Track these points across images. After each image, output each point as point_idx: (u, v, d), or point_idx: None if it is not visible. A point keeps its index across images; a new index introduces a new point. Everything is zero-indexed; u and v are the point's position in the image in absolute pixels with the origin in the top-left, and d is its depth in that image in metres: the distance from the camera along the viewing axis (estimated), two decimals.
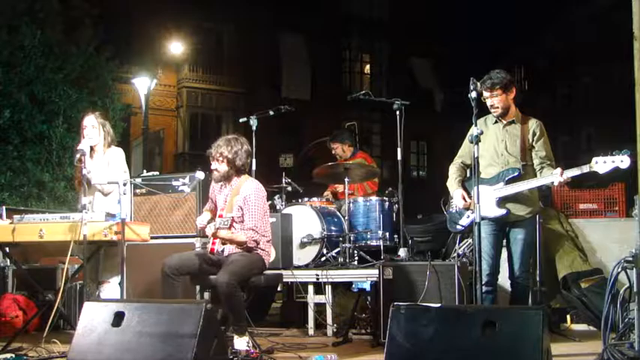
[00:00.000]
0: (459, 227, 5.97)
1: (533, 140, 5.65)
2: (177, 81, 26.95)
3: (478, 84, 5.24)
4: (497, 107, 5.65)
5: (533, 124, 5.70)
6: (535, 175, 5.60)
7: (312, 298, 6.92)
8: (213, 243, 5.77)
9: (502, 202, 5.58)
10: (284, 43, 28.55)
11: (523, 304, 5.77)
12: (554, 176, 5.37)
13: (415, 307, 4.38)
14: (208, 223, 5.75)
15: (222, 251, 5.75)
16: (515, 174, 5.57)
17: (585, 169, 5.27)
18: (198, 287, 6.51)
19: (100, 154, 6.21)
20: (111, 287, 5.92)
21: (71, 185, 14.23)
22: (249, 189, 5.72)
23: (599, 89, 24.64)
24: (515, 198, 5.58)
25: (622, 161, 5.14)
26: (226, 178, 5.82)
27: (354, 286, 7.09)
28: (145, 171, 7.59)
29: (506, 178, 5.58)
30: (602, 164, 5.19)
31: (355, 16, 30.09)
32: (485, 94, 5.59)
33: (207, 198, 6.26)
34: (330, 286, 6.84)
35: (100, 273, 6.04)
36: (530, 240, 5.78)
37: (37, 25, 14.52)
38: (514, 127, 5.71)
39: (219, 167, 5.77)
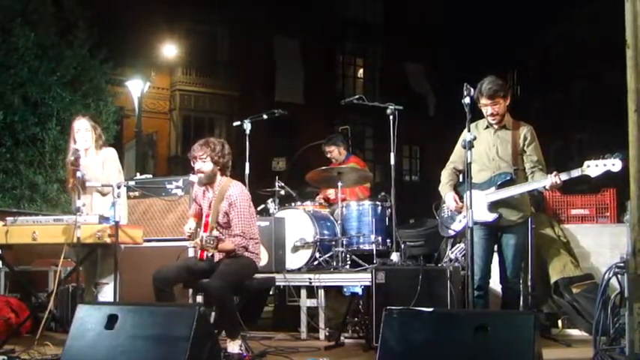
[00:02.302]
0: (450, 232, 5.99)
1: (524, 145, 5.67)
2: (170, 84, 26.91)
3: (472, 90, 5.25)
4: (497, 114, 5.66)
5: (524, 129, 5.73)
6: (526, 180, 5.62)
7: (304, 301, 6.93)
8: (202, 251, 5.75)
9: (494, 206, 5.60)
10: (278, 47, 28.56)
11: (514, 308, 5.79)
12: (545, 180, 5.40)
13: (407, 312, 4.39)
14: (195, 231, 5.76)
15: (212, 256, 5.74)
16: (507, 178, 5.59)
17: (577, 172, 5.30)
18: (190, 290, 6.52)
19: (92, 157, 6.21)
20: (110, 288, 5.92)
21: (64, 187, 14.21)
22: (234, 194, 5.70)
23: (591, 95, 24.70)
24: (506, 203, 5.60)
25: (614, 165, 5.17)
26: (210, 179, 5.78)
27: (345, 289, 7.10)
28: (138, 174, 7.59)
29: (498, 183, 5.59)
30: (594, 168, 5.22)
31: (349, 20, 30.11)
32: (485, 101, 5.59)
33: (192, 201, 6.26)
34: (322, 290, 6.86)
35: (97, 275, 6.04)
36: (522, 244, 5.80)
37: (31, 27, 14.49)
38: (505, 132, 5.73)
39: (204, 167, 5.73)
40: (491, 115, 5.66)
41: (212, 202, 5.77)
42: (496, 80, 5.64)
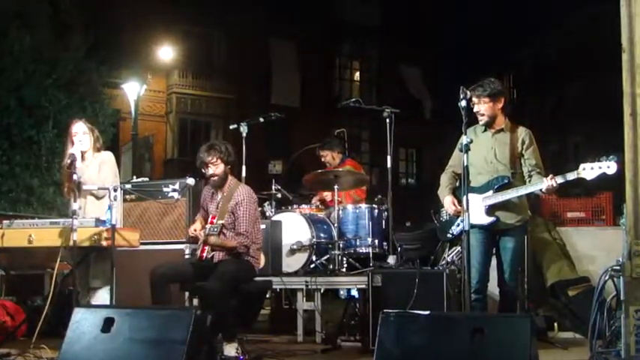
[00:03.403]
0: (449, 236, 5.99)
1: (522, 149, 5.68)
2: (166, 87, 26.89)
3: (468, 92, 5.27)
4: (484, 115, 5.68)
5: (522, 132, 5.73)
6: (524, 183, 5.63)
7: (301, 304, 6.93)
8: (203, 250, 5.77)
9: (491, 209, 5.59)
10: (274, 49, 28.54)
11: (512, 311, 5.79)
12: (542, 183, 5.40)
13: (404, 315, 4.40)
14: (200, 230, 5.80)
15: (212, 258, 5.75)
16: (505, 182, 5.59)
17: (573, 175, 5.30)
18: (187, 293, 6.52)
19: (89, 159, 6.24)
20: (103, 293, 5.93)
21: (60, 190, 14.19)
22: (242, 195, 5.78)
23: (587, 98, 24.73)
24: (504, 206, 5.60)
25: (609, 167, 5.17)
26: (224, 180, 5.87)
27: (342, 292, 7.10)
28: (134, 177, 7.58)
29: (496, 186, 5.59)
30: (589, 170, 5.23)
31: (346, 23, 30.05)
32: (473, 99, 5.61)
33: (198, 206, 6.29)
34: (319, 293, 6.86)
35: (90, 279, 6.04)
36: (520, 248, 5.79)
37: (27, 29, 14.48)
38: (503, 135, 5.73)
39: (217, 170, 5.83)
40: (477, 113, 5.69)
41: (220, 204, 5.84)
42: (491, 82, 5.65)
